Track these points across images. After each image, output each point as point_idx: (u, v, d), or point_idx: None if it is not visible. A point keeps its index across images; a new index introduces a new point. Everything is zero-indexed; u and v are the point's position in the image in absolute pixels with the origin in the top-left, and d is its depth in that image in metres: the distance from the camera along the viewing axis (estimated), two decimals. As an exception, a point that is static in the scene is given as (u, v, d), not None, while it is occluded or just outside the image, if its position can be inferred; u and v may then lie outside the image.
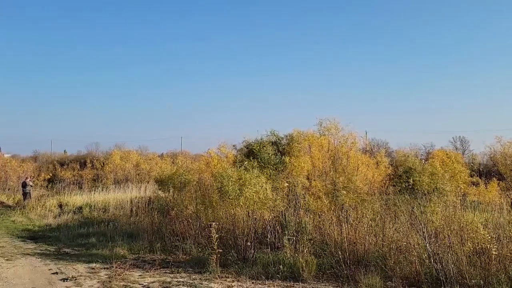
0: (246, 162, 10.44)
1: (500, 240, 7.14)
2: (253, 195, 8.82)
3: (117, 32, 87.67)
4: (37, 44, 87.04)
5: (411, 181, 10.72)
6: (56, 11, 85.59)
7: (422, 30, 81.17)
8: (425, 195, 8.59)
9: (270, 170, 11.19)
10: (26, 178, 23.78)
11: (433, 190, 10.27)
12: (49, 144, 59.81)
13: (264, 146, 13.43)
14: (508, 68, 74.98)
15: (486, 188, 15.71)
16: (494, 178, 16.94)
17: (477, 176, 17.48)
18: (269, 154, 13.01)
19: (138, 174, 30.82)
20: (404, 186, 11.30)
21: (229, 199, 8.96)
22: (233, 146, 15.24)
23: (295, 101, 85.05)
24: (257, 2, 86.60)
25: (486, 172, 24.03)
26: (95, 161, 34.08)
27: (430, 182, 10.83)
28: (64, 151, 56.52)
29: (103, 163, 32.70)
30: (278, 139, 14.59)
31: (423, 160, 16.71)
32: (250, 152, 13.55)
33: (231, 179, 8.97)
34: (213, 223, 8.79)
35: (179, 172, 12.80)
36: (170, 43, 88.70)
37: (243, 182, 8.93)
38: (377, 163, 13.65)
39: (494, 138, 17.65)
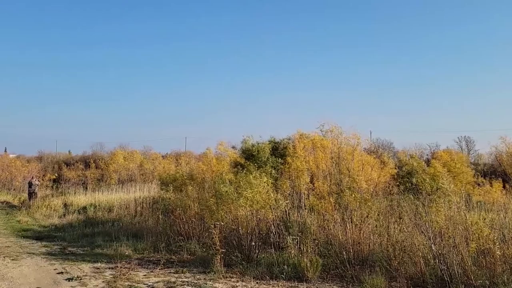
0: (247, 164, 10.57)
1: (506, 241, 7.11)
2: (256, 195, 8.87)
3: (121, 32, 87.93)
4: (41, 44, 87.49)
5: (414, 181, 10.71)
6: (59, 10, 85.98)
7: (427, 30, 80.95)
8: (428, 195, 8.56)
9: (271, 170, 11.32)
10: (32, 177, 23.92)
11: (436, 190, 10.22)
12: (54, 145, 60.08)
13: (263, 149, 13.74)
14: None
15: (491, 188, 15.65)
16: (499, 179, 16.86)
17: (481, 176, 17.41)
18: (266, 156, 13.32)
19: (142, 174, 30.90)
20: (408, 186, 11.28)
21: (226, 202, 9.06)
22: (232, 147, 15.44)
23: (299, 101, 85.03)
24: (261, 2, 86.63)
25: (492, 172, 23.90)
26: (99, 161, 34.21)
27: (432, 182, 10.79)
28: (69, 151, 56.74)
29: (107, 163, 32.83)
30: (276, 143, 15.03)
31: (427, 160, 16.68)
32: (249, 156, 13.84)
33: (226, 183, 9.14)
34: (217, 223, 8.81)
35: (181, 173, 12.90)
36: (175, 43, 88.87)
37: (242, 184, 9.03)
38: (382, 163, 13.64)
39: (499, 138, 17.60)
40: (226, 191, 8.95)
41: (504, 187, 16.29)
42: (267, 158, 13.60)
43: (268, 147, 14.51)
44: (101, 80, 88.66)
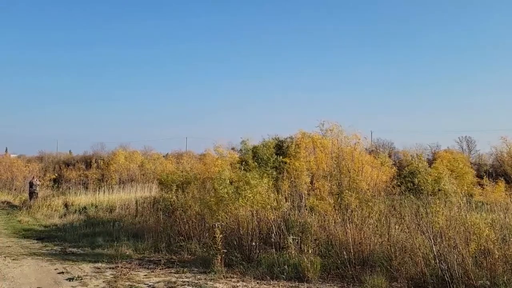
0: (251, 162, 10.60)
1: (506, 241, 7.10)
2: (255, 195, 8.88)
3: (121, 32, 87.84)
4: (41, 44, 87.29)
5: (416, 182, 10.72)
6: (59, 10, 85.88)
7: (427, 29, 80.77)
8: (430, 195, 8.57)
9: (271, 170, 11.37)
10: (33, 177, 23.96)
11: (438, 191, 10.24)
12: (55, 145, 60.21)
13: (268, 148, 13.85)
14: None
15: (493, 188, 15.64)
16: (501, 179, 16.84)
17: (482, 176, 17.40)
18: (270, 155, 13.42)
19: (143, 174, 30.92)
20: (409, 186, 11.27)
21: (225, 202, 9.06)
22: (232, 149, 15.57)
23: (300, 101, 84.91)
24: (261, 2, 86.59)
25: (493, 172, 23.88)
26: (99, 161, 34.25)
27: (435, 183, 10.80)
28: (70, 151, 56.76)
29: (108, 163, 32.87)
30: (280, 142, 15.14)
31: (429, 161, 16.69)
32: (255, 154, 13.94)
33: (226, 182, 9.15)
34: (218, 223, 8.82)
35: (179, 173, 12.96)
36: (175, 43, 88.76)
37: (242, 184, 9.03)
38: (382, 163, 13.63)
39: (500, 138, 17.60)
40: (226, 192, 8.97)
41: (505, 187, 16.29)
42: (270, 155, 13.74)
43: (272, 145, 14.66)
44: (101, 80, 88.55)
